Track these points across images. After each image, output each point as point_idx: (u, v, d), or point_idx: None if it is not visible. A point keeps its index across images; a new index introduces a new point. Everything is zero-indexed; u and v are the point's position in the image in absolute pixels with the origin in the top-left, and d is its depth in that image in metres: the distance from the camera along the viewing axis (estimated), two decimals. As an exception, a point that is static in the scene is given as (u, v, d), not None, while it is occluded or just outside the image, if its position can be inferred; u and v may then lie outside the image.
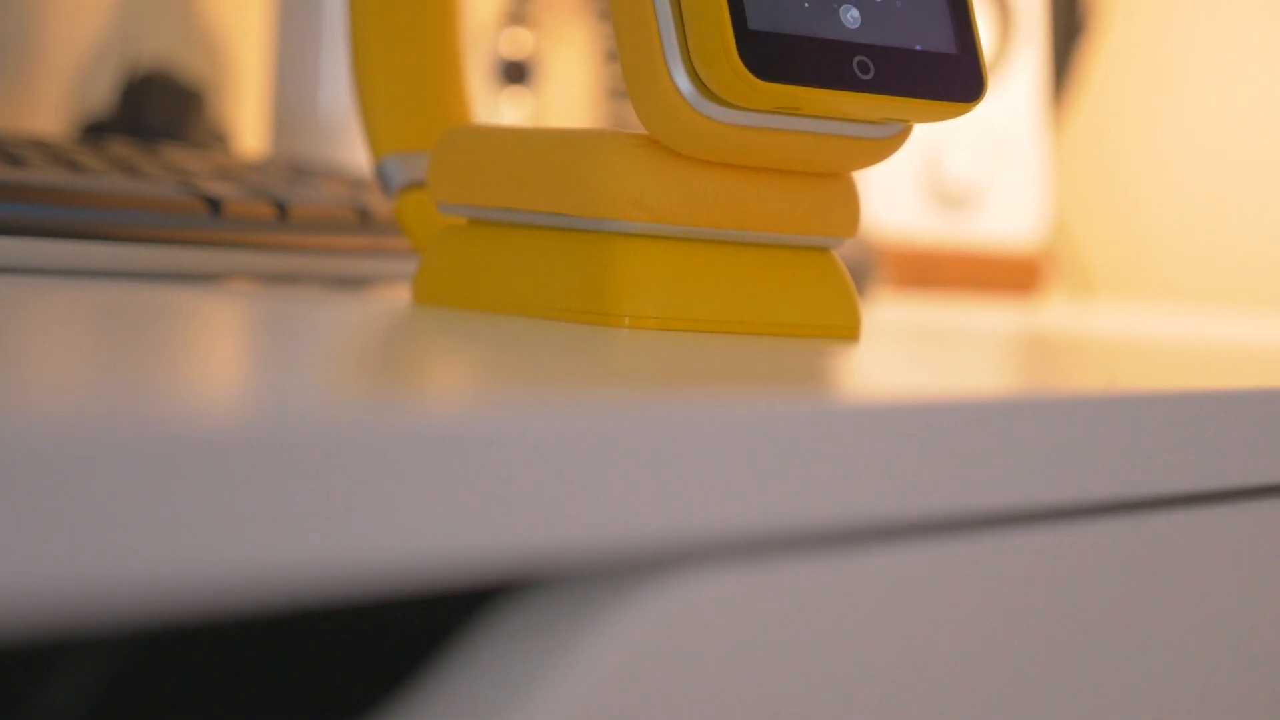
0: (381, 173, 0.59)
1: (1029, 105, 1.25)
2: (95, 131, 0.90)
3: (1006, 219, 1.24)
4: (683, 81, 0.48)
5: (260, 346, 0.40)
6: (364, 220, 0.65)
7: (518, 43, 1.22)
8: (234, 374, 0.33)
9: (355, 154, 0.94)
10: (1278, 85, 1.52)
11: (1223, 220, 1.53)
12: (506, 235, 0.53)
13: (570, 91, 1.34)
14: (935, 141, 1.22)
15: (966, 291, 1.22)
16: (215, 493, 0.24)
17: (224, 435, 0.24)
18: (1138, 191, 1.56)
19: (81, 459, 0.23)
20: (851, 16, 0.48)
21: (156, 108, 0.89)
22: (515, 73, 1.22)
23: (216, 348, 0.40)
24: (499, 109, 1.21)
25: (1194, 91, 1.55)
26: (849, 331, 0.53)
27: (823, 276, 0.52)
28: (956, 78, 0.49)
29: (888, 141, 0.51)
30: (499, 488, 0.28)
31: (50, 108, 1.00)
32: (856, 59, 0.48)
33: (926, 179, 1.23)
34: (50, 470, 0.23)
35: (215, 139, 0.91)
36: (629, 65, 0.49)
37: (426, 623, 0.32)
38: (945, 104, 0.49)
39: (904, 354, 0.54)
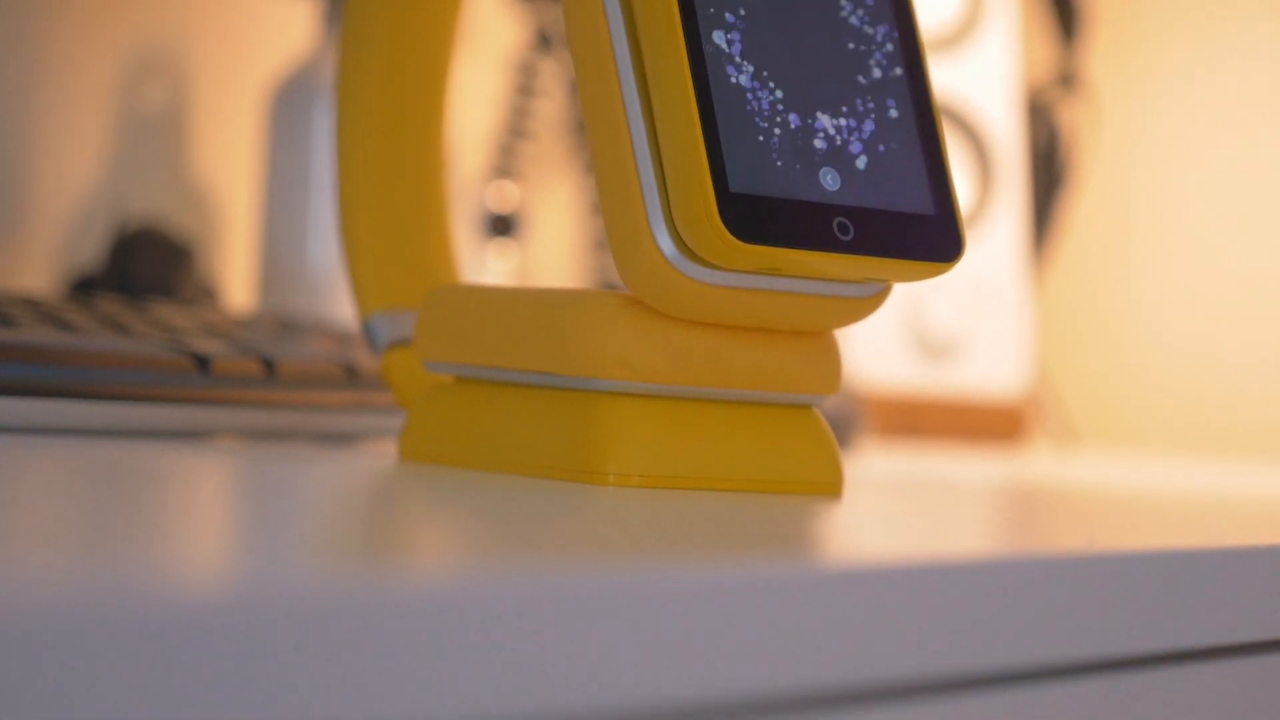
0: (368, 330, 0.60)
1: (1010, 256, 1.26)
2: (85, 287, 0.90)
3: (989, 368, 1.25)
4: (665, 242, 0.49)
5: (247, 512, 0.41)
6: (351, 376, 0.65)
7: (504, 195, 1.23)
8: (220, 543, 0.33)
9: (343, 308, 0.95)
10: (1256, 236, 1.54)
11: (1205, 369, 1.54)
12: (492, 393, 0.54)
13: (557, 244, 1.35)
14: (918, 292, 1.23)
15: (951, 440, 1.22)
16: (201, 666, 0.25)
17: (211, 609, 0.25)
18: (1119, 340, 1.57)
19: (68, 633, 0.23)
20: (831, 178, 0.49)
21: (146, 263, 0.90)
22: (502, 225, 1.23)
23: (203, 514, 0.40)
24: (486, 261, 1.22)
25: (1174, 242, 1.56)
26: (831, 487, 0.53)
27: (805, 433, 0.53)
28: (935, 238, 0.50)
29: (868, 301, 0.52)
30: (483, 657, 0.28)
31: (40, 264, 1.01)
32: (836, 220, 0.49)
33: (910, 329, 1.24)
34: (34, 645, 0.23)
35: (204, 294, 0.92)
36: (612, 225, 0.50)
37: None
38: (924, 264, 0.50)
39: (884, 512, 0.55)
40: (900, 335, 1.23)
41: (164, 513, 0.37)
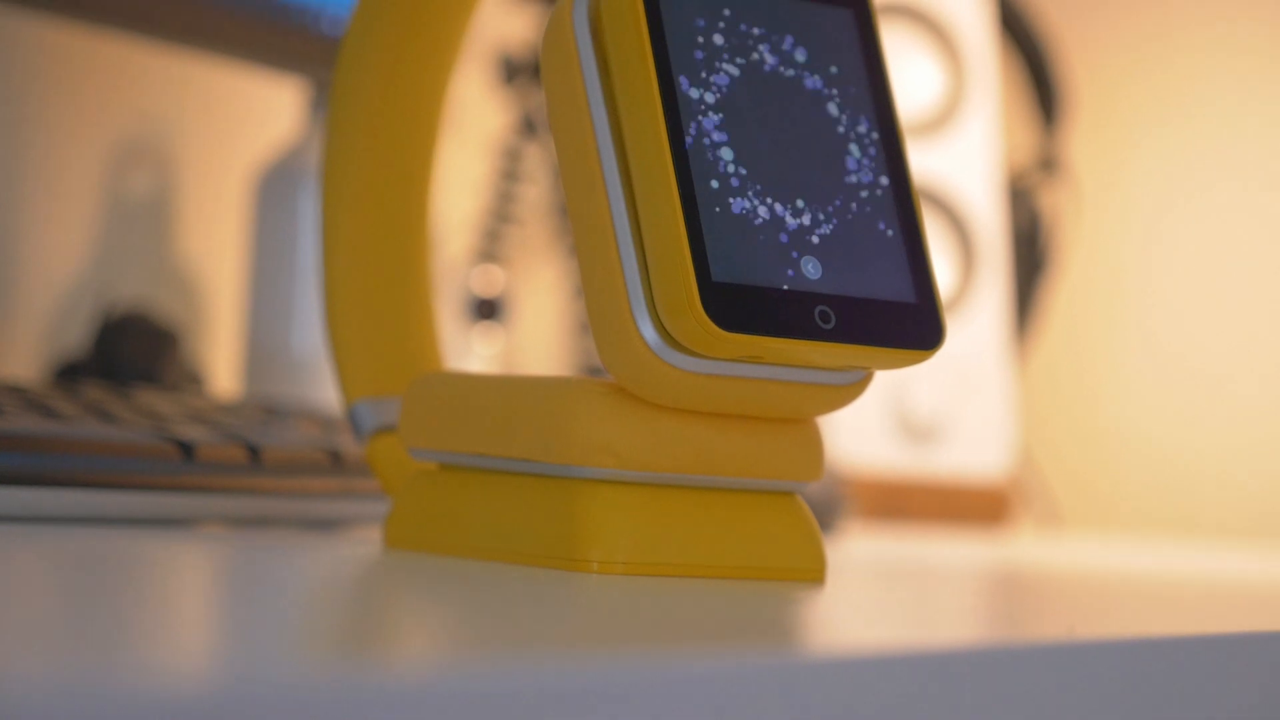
0: (353, 417, 0.60)
1: (993, 339, 1.27)
2: (71, 372, 0.91)
3: (973, 451, 1.26)
4: (648, 331, 0.49)
5: (231, 603, 0.41)
6: (336, 462, 0.65)
7: (489, 280, 1.24)
8: (204, 636, 0.34)
9: (328, 392, 0.95)
10: (1237, 319, 1.54)
11: (1187, 452, 1.54)
12: (477, 480, 0.54)
13: (541, 328, 1.36)
14: (902, 375, 1.24)
15: (935, 523, 1.23)
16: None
17: (195, 704, 0.25)
18: (1103, 423, 1.58)
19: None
20: (812, 267, 0.50)
21: (131, 349, 0.90)
22: (487, 309, 1.24)
23: (187, 605, 0.40)
24: (471, 345, 1.22)
25: (1155, 324, 1.57)
26: (814, 574, 0.53)
27: (788, 520, 0.53)
28: (916, 326, 0.51)
29: (850, 388, 0.52)
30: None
31: (26, 349, 1.01)
32: (818, 309, 0.49)
33: (893, 412, 1.24)
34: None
35: (189, 379, 0.92)
36: (595, 314, 0.50)
37: None
38: (905, 352, 0.50)
39: (867, 599, 0.55)
40: (884, 418, 1.24)
41: (148, 604, 0.37)
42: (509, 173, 1.26)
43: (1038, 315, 1.38)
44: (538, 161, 1.27)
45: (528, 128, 1.25)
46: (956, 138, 1.28)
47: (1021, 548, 1.07)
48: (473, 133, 1.28)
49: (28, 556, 0.46)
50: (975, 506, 1.25)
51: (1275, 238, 1.54)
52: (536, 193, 1.30)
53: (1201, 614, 0.58)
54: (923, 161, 1.26)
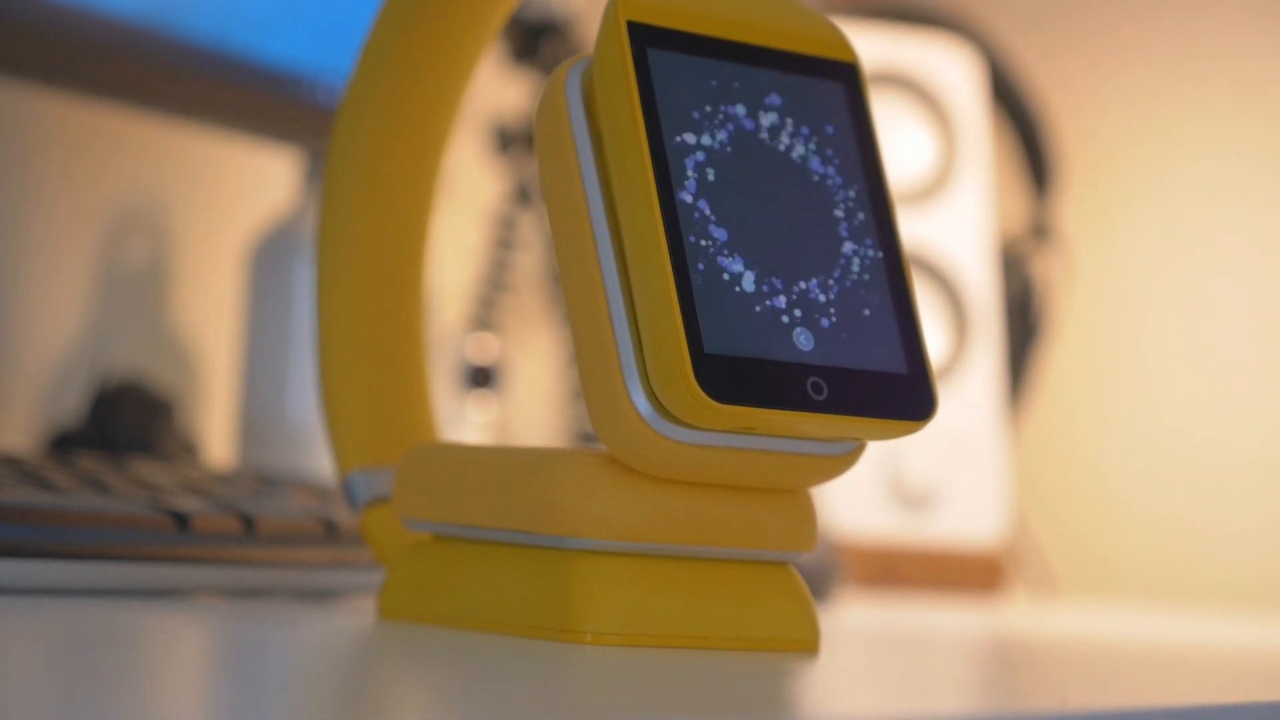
0: (348, 487, 0.60)
1: (986, 406, 1.27)
2: (66, 443, 0.91)
3: (967, 518, 1.26)
4: (641, 402, 0.49)
5: (226, 676, 0.41)
6: (330, 533, 0.65)
7: (483, 347, 1.24)
8: (199, 710, 0.34)
9: (323, 461, 0.96)
10: (1230, 385, 1.55)
11: (1182, 519, 1.54)
12: (471, 552, 0.54)
13: (536, 395, 1.36)
14: (895, 442, 1.24)
15: (929, 591, 1.23)
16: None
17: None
18: (1097, 490, 1.58)
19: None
20: (804, 338, 0.50)
21: (126, 419, 0.90)
22: (481, 377, 1.24)
23: (182, 678, 0.40)
24: (465, 413, 1.22)
25: (1149, 390, 1.57)
26: (808, 645, 0.53)
27: (781, 591, 0.53)
28: (908, 397, 0.51)
29: (843, 459, 0.52)
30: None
31: (21, 419, 1.01)
32: (810, 380, 0.49)
33: (887, 479, 1.24)
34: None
35: (185, 449, 0.92)
36: (588, 384, 0.50)
37: None
38: (897, 423, 0.50)
39: (861, 670, 0.55)
40: (878, 486, 1.24)
41: (142, 677, 0.37)
42: (503, 240, 1.26)
43: (1031, 382, 1.38)
44: (532, 229, 1.27)
45: (522, 196, 1.26)
46: (949, 205, 1.29)
47: (1016, 616, 1.07)
48: (467, 201, 1.29)
49: (23, 629, 0.46)
50: (970, 574, 1.25)
51: (1267, 302, 1.55)
52: (531, 260, 1.31)
53: (1198, 684, 0.58)
54: (915, 229, 1.27)
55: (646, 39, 0.50)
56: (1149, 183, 1.60)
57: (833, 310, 0.50)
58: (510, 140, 1.24)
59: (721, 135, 0.51)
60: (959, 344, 1.27)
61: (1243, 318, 1.55)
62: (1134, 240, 1.59)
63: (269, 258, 1.01)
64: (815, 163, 0.52)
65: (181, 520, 0.60)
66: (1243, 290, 1.55)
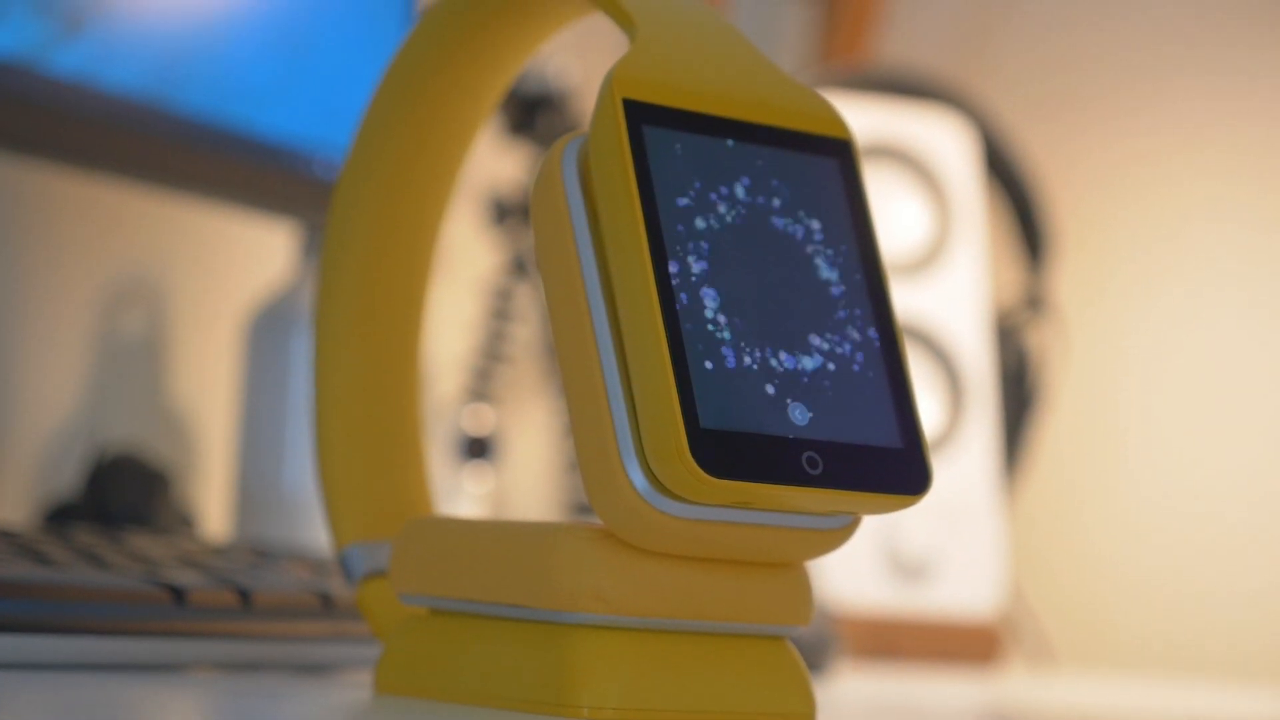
0: (344, 561, 0.60)
1: (982, 477, 1.27)
2: (62, 515, 0.91)
3: (964, 589, 1.25)
4: (637, 477, 0.49)
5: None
6: (326, 606, 0.65)
7: (480, 419, 1.24)
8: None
9: (318, 533, 0.96)
10: (1227, 456, 1.55)
11: (1179, 589, 1.54)
12: (468, 626, 0.54)
13: (532, 467, 1.36)
14: (891, 514, 1.24)
15: (926, 662, 1.22)
16: None
17: None
18: (1093, 560, 1.58)
19: None
20: (799, 413, 0.50)
21: (123, 491, 0.90)
22: (477, 448, 1.24)
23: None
24: (461, 484, 1.23)
25: (1144, 461, 1.57)
26: (804, 718, 0.53)
27: (777, 664, 0.53)
28: (902, 471, 0.51)
29: (838, 532, 0.52)
30: None
31: (17, 492, 1.01)
32: (805, 455, 0.49)
33: (884, 551, 1.24)
34: None
35: (181, 521, 0.92)
36: (584, 458, 0.50)
37: None
38: (892, 497, 0.51)
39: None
40: (874, 557, 1.24)
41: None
42: (500, 312, 1.26)
43: (1026, 453, 1.38)
44: (528, 301, 1.28)
45: (518, 268, 1.26)
46: (944, 277, 1.29)
47: (1013, 687, 1.07)
48: (464, 272, 1.29)
49: (20, 705, 0.46)
50: (967, 645, 1.25)
51: (1265, 370, 1.55)
52: (527, 332, 1.31)
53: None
54: (910, 300, 1.27)
55: (642, 116, 0.51)
56: (1142, 253, 1.60)
57: (827, 384, 0.51)
58: (506, 212, 1.25)
59: (716, 212, 0.51)
60: (954, 415, 1.28)
61: (1239, 386, 1.56)
62: (1128, 308, 1.60)
63: (266, 330, 1.01)
64: (810, 240, 0.52)
65: (178, 594, 0.60)
66: (1239, 358, 1.56)
